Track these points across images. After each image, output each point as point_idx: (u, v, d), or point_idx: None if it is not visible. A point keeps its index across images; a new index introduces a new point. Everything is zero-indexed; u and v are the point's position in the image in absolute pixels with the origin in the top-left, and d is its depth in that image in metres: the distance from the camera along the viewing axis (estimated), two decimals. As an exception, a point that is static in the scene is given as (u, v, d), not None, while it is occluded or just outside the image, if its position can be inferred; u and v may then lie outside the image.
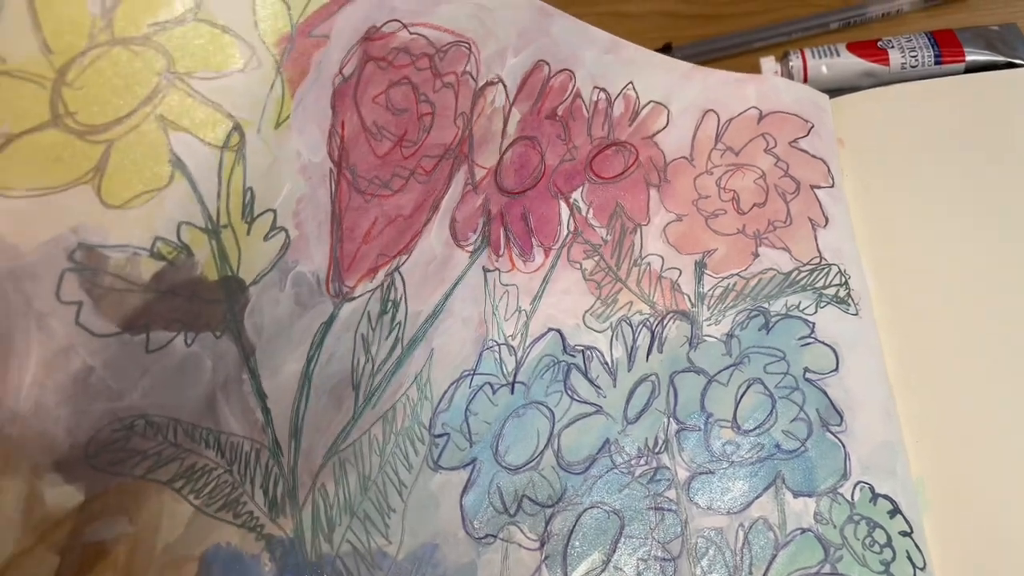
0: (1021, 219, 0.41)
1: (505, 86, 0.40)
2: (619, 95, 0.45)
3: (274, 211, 0.32)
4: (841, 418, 0.38)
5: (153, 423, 0.30)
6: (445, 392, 0.40)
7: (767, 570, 0.35)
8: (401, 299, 0.38)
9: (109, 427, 0.29)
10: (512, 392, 0.40)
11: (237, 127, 0.30)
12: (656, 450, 0.38)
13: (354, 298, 0.36)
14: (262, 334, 0.33)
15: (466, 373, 0.40)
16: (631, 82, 0.45)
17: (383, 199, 0.36)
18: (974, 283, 0.40)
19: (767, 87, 0.47)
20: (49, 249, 0.27)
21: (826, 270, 0.41)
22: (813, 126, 0.45)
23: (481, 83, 0.38)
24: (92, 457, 0.29)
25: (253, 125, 0.30)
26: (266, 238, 0.32)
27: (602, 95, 0.44)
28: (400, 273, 0.38)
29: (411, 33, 0.35)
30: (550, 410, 0.40)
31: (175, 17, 0.28)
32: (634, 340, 0.41)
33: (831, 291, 0.41)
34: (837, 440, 0.37)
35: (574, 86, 0.42)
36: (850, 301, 0.41)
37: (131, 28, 0.28)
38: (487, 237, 0.41)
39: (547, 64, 0.41)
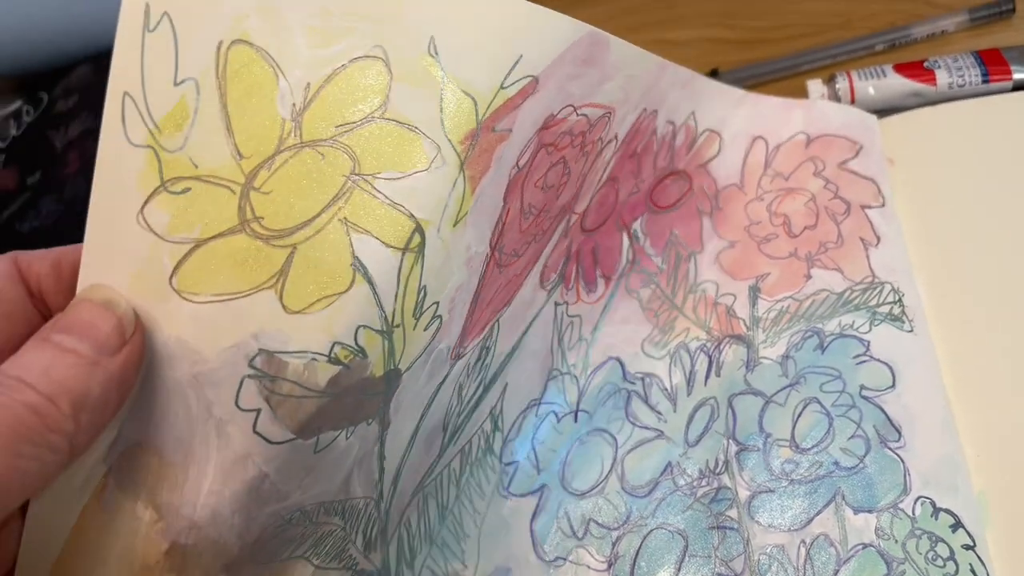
0: None
1: (617, 141, 0.39)
2: (683, 125, 0.45)
3: (438, 303, 0.30)
4: (899, 434, 0.38)
5: (306, 511, 0.30)
6: (515, 422, 0.42)
7: (830, 586, 0.36)
8: (493, 345, 0.38)
9: (273, 525, 0.29)
10: (576, 420, 0.42)
11: (419, 228, 0.27)
12: (717, 471, 0.40)
13: (464, 355, 0.35)
14: (399, 411, 0.32)
15: (533, 403, 0.43)
16: (693, 112, 0.45)
17: (509, 267, 0.35)
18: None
19: (815, 112, 0.48)
20: (231, 355, 0.26)
21: (879, 288, 0.42)
22: (862, 147, 0.46)
23: (602, 145, 0.37)
24: (255, 555, 0.29)
25: (434, 225, 0.28)
26: (426, 328, 0.30)
27: (670, 127, 0.44)
28: (498, 323, 0.37)
29: (578, 115, 0.34)
30: (613, 436, 0.41)
31: (363, 117, 0.27)
32: (692, 365, 0.43)
33: (885, 309, 0.42)
34: (896, 456, 0.38)
35: (654, 125, 0.41)
36: (904, 318, 0.41)
37: (319, 131, 0.26)
38: (563, 275, 0.42)
39: (645, 109, 0.40)
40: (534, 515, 0.40)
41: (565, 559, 0.39)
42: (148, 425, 0.27)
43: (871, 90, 0.49)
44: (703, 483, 0.40)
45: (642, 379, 0.43)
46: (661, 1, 0.60)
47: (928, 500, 0.37)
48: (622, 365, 0.43)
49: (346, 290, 0.26)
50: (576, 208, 0.38)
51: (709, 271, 0.45)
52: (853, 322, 0.42)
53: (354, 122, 0.27)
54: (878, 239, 0.44)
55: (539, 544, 0.40)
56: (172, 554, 0.27)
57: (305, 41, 0.26)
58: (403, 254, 0.27)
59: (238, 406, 0.26)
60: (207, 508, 0.27)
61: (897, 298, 0.42)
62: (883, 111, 0.48)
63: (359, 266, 0.27)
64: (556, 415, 0.43)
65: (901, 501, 0.37)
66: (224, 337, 0.26)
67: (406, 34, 0.27)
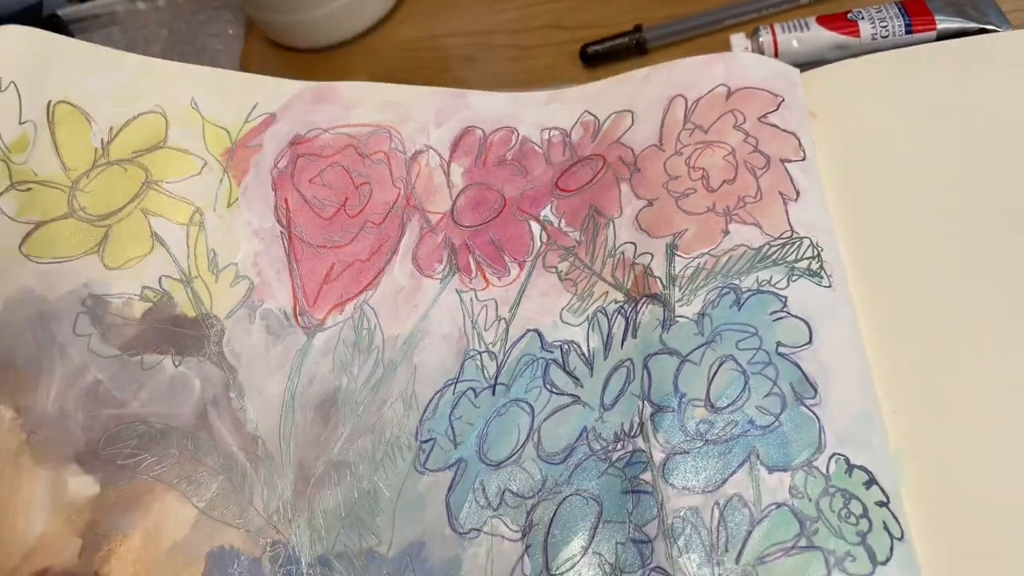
0: (996, 185, 0.40)
1: (436, 151, 0.47)
2: (575, 124, 0.48)
3: (236, 264, 0.44)
4: (815, 391, 0.37)
5: (155, 429, 0.41)
6: (430, 402, 0.42)
7: (743, 546, 0.35)
8: (376, 327, 0.44)
9: (116, 429, 0.40)
10: (493, 393, 0.41)
11: (198, 210, 0.45)
12: (632, 434, 0.39)
13: (326, 328, 0.44)
14: (241, 360, 0.43)
15: (449, 382, 0.42)
16: (585, 110, 0.48)
17: (337, 249, 0.45)
18: (952, 252, 0.39)
19: (736, 65, 0.47)
20: (68, 299, 0.42)
21: (798, 243, 0.41)
22: (783, 100, 0.45)
23: (411, 153, 0.47)
24: (104, 452, 0.40)
25: (210, 207, 0.45)
26: (232, 284, 0.44)
27: (554, 132, 0.48)
28: (369, 305, 0.44)
29: (332, 134, 0.47)
30: (530, 405, 0.41)
31: (151, 146, 0.45)
32: (609, 328, 0.42)
33: (803, 264, 0.40)
34: (812, 413, 0.37)
35: (518, 137, 0.48)
36: (823, 273, 0.40)
37: (121, 154, 0.45)
38: (455, 265, 0.45)
39: (479, 128, 0.48)
40: (450, 488, 0.40)
41: (480, 530, 0.38)
42: (10, 350, 0.40)
43: (795, 43, 0.48)
44: (618, 447, 0.39)
45: (560, 347, 0.42)
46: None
47: (842, 457, 0.36)
48: (540, 336, 0.42)
49: (148, 253, 0.44)
50: (427, 207, 0.46)
51: (627, 232, 0.44)
52: (771, 278, 0.40)
53: (145, 149, 0.45)
54: (798, 193, 0.42)
55: (454, 516, 0.39)
56: (30, 442, 0.39)
57: (107, 103, 0.45)
58: (188, 227, 0.45)
59: (75, 333, 0.41)
60: (56, 406, 0.40)
61: (816, 253, 0.41)
62: (808, 64, 0.47)
63: (157, 237, 0.44)
64: (474, 391, 0.42)
65: (815, 459, 0.36)
66: (62, 286, 0.42)
67: (175, 98, 0.47)
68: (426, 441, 0.41)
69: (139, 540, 0.39)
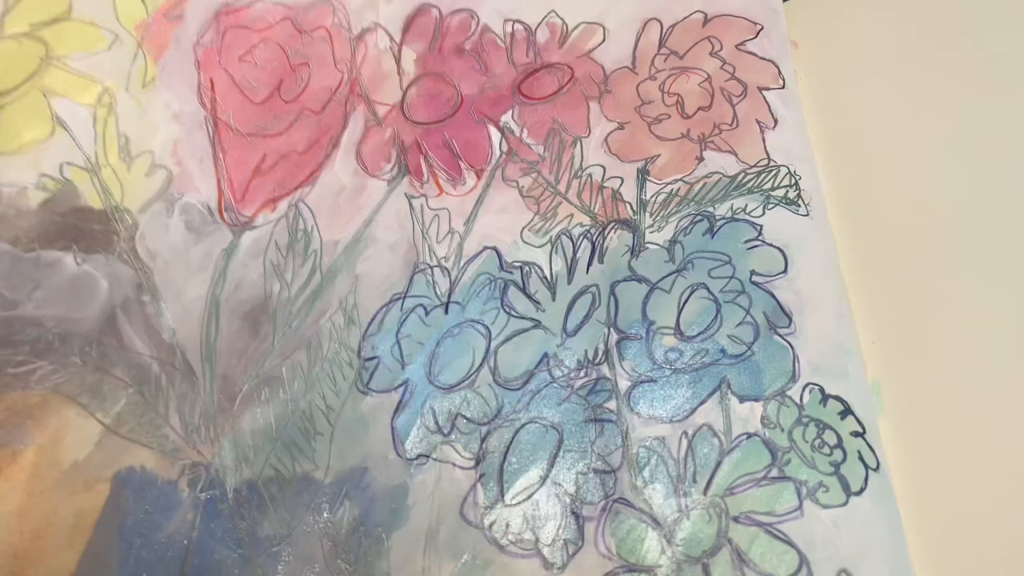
0: (980, 113, 0.39)
1: (386, 30, 0.42)
2: (540, 24, 0.44)
3: (152, 152, 0.39)
4: (790, 320, 0.36)
5: (53, 334, 0.36)
6: (374, 316, 0.38)
7: (712, 477, 0.33)
8: (312, 229, 0.39)
9: (6, 333, 0.35)
10: (446, 312, 0.38)
11: (107, 90, 0.39)
12: (596, 361, 0.36)
13: (256, 227, 0.39)
14: (156, 259, 0.38)
15: (396, 296, 0.39)
16: (553, 10, 0.44)
17: (269, 139, 0.40)
18: (934, 182, 0.38)
19: (713, -9, 0.45)
20: None
21: (775, 172, 0.39)
22: (762, 28, 0.43)
23: (357, 32, 0.42)
24: None
25: (121, 87, 0.40)
26: (147, 174, 0.39)
27: (518, 26, 0.43)
28: (306, 204, 0.40)
29: (265, 4, 0.42)
30: (486, 327, 0.38)
31: (53, 18, 0.40)
32: (574, 252, 0.39)
33: (780, 192, 0.39)
34: (785, 342, 0.35)
35: (478, 24, 0.43)
36: (801, 201, 0.38)
37: (18, 27, 0.39)
38: (404, 166, 0.41)
39: (435, 7, 0.43)
40: (396, 411, 0.36)
41: (428, 456, 0.35)
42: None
43: (774, -27, 0.46)
44: (581, 374, 0.36)
45: (520, 268, 0.39)
46: None
47: (817, 387, 0.34)
48: (499, 255, 0.39)
49: (48, 137, 0.38)
50: (374, 96, 0.41)
51: (596, 155, 0.41)
52: (746, 206, 0.39)
53: (45, 21, 0.40)
54: (775, 121, 0.41)
55: (399, 441, 0.36)
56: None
57: None
58: (95, 109, 0.39)
59: None
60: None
61: (793, 181, 0.39)
62: (787, -6, 0.45)
63: (58, 120, 0.39)
64: (424, 308, 0.38)
65: (789, 389, 0.35)
66: None
67: None
68: (369, 359, 0.37)
69: (32, 458, 0.34)
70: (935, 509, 0.32)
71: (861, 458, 0.33)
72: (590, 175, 0.41)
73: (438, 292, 0.39)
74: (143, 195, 0.39)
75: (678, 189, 0.39)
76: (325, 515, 0.35)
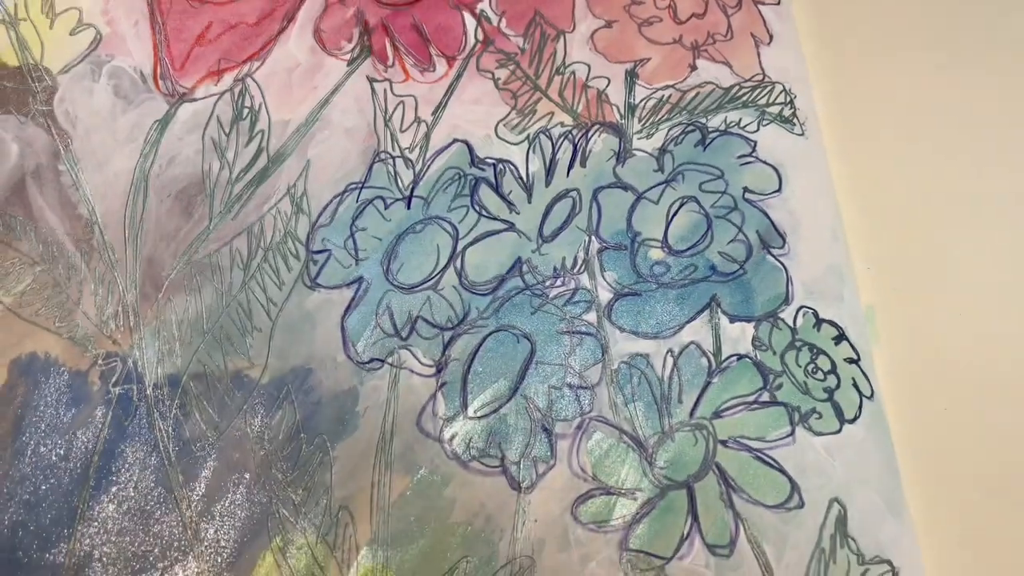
0: (980, 35, 0.37)
1: None
2: None
3: (79, 9, 0.34)
4: (784, 240, 0.33)
5: None
6: (327, 206, 0.34)
7: (699, 398, 0.31)
8: (260, 107, 0.35)
9: None
10: (408, 207, 0.34)
11: None
12: (575, 270, 0.33)
13: (195, 99, 0.35)
14: (77, 124, 0.33)
15: (353, 186, 0.34)
16: None
17: (216, 6, 0.36)
18: (931, 105, 0.37)
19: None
20: None
21: (770, 88, 0.37)
22: (759, -59, 0.40)
23: None
24: None
25: None
26: (72, 32, 0.34)
27: None
28: (254, 80, 0.35)
29: None
30: (453, 226, 0.34)
31: None
32: (554, 153, 0.35)
33: (775, 109, 0.36)
34: (779, 263, 0.33)
35: None
36: (795, 120, 0.36)
37: None
38: (368, 47, 0.36)
39: None
40: (347, 310, 0.32)
41: (382, 361, 0.31)
42: None
43: None
44: (557, 283, 0.33)
45: (493, 165, 0.35)
46: None
47: (811, 311, 0.32)
48: (470, 149, 0.35)
49: None
50: None
51: (580, 51, 0.37)
52: (740, 120, 0.36)
53: None
54: (770, 37, 0.38)
55: (350, 343, 0.31)
56: None
57: None
58: None
59: None
60: None
61: (788, 100, 0.37)
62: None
63: None
64: (384, 200, 0.34)
65: (782, 311, 0.32)
66: None
67: None
68: (319, 252, 0.33)
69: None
70: (928, 440, 0.30)
71: (855, 385, 0.31)
72: (573, 72, 0.37)
73: (400, 184, 0.34)
74: (66, 55, 0.34)
75: (669, 96, 0.36)
76: (260, 419, 0.30)
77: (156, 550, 0.28)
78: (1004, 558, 0.29)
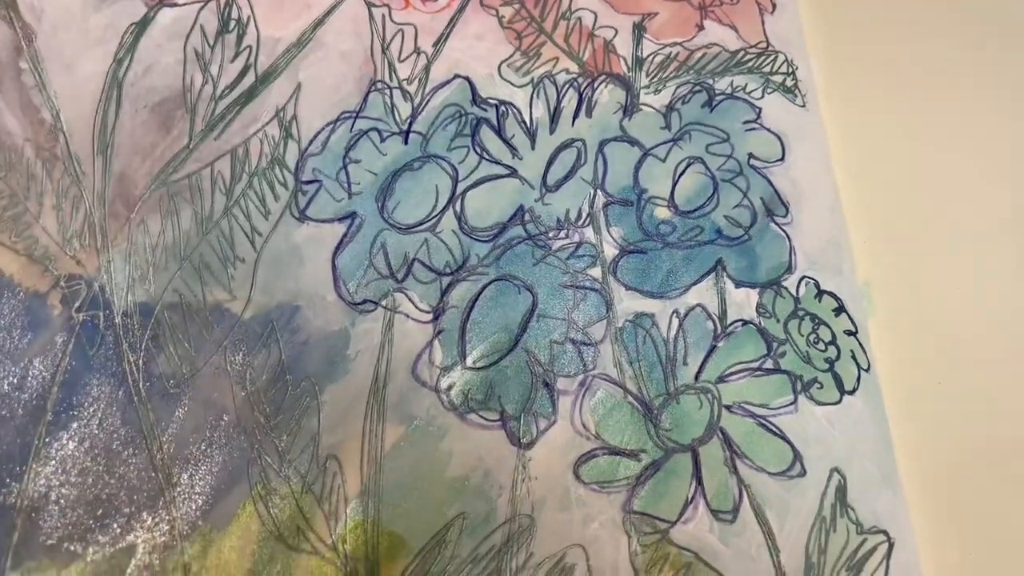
0: (979, 11, 0.38)
1: None
2: None
3: None
4: (787, 209, 0.33)
5: None
6: (318, 134, 0.31)
7: (704, 361, 0.30)
8: (249, 20, 0.32)
9: None
10: (406, 142, 0.32)
11: None
12: (579, 223, 0.32)
13: (177, 4, 0.32)
14: (43, 18, 0.30)
15: (347, 115, 0.32)
16: None
17: None
18: (931, 81, 0.37)
19: None
20: None
21: (773, 56, 0.36)
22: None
23: None
24: None
25: None
26: None
27: None
28: None
29: None
30: (453, 167, 0.32)
31: None
32: (559, 100, 0.34)
33: (778, 79, 0.36)
34: (782, 231, 0.33)
35: None
36: (797, 91, 0.36)
37: None
38: None
39: None
40: (339, 246, 0.30)
41: (376, 303, 0.29)
42: None
43: None
44: (560, 235, 0.31)
45: (496, 106, 0.33)
46: None
47: (812, 281, 0.32)
48: (472, 86, 0.33)
49: None
50: None
51: (588, -2, 0.36)
52: (746, 85, 0.35)
53: None
54: (774, 6, 0.38)
55: (341, 281, 0.29)
56: None
57: None
58: None
59: None
60: None
61: (791, 70, 0.36)
62: None
63: None
64: (379, 132, 0.32)
65: (785, 279, 0.32)
66: None
67: None
68: (309, 182, 0.30)
69: None
70: (921, 413, 0.31)
71: (854, 357, 0.31)
72: (579, 19, 0.35)
73: (397, 117, 0.32)
74: None
75: (676, 53, 0.35)
76: (241, 356, 0.28)
77: (122, 493, 0.25)
78: (994, 531, 0.29)
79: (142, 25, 0.30)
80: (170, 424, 0.26)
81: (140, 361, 0.27)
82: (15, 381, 0.25)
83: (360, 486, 0.27)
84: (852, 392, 0.30)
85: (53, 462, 0.25)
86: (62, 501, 0.25)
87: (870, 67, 0.37)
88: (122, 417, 0.26)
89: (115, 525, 0.25)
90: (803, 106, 0.36)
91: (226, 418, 0.27)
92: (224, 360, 0.27)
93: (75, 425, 0.25)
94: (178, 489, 0.26)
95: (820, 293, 0.32)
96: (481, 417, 0.28)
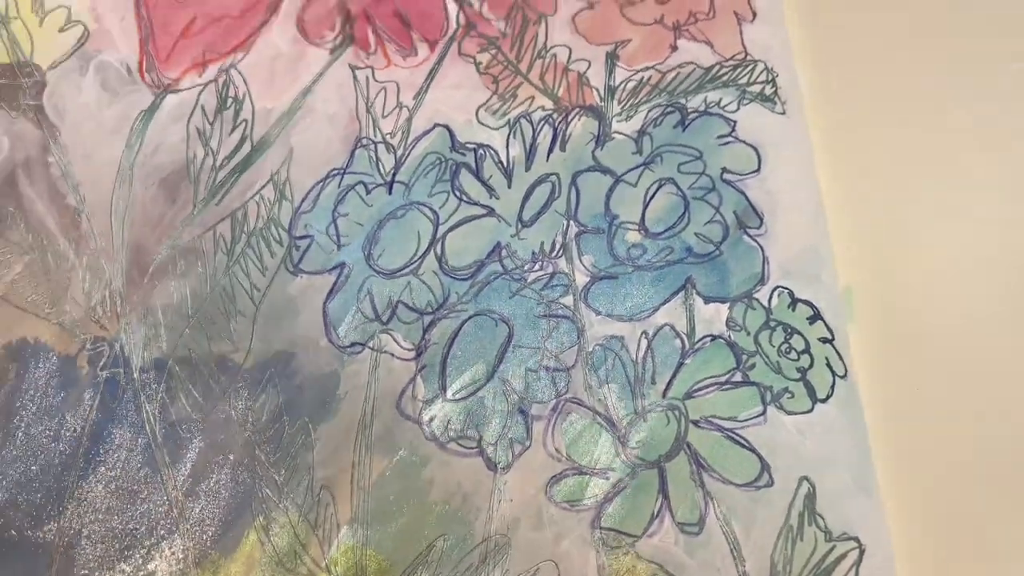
0: (967, 13, 0.37)
1: None
2: None
3: (68, 7, 0.35)
4: (761, 220, 0.34)
5: None
6: (309, 192, 0.34)
7: (672, 379, 0.31)
8: (244, 96, 0.35)
9: None
10: (390, 192, 0.34)
11: None
12: (553, 254, 0.33)
13: (180, 90, 0.35)
14: (65, 118, 0.34)
15: (335, 171, 0.35)
16: None
17: (201, 1, 0.36)
18: (916, 83, 0.36)
19: None
20: None
21: (751, 66, 0.37)
22: (744, -83, 0.40)
23: None
24: None
25: None
26: (61, 30, 0.35)
27: None
28: (238, 70, 0.36)
29: None
30: (434, 211, 0.34)
31: None
32: (534, 138, 0.36)
33: (756, 88, 0.36)
34: (755, 243, 0.33)
35: None
36: (777, 99, 0.36)
37: None
38: (350, 35, 0.37)
39: None
40: (329, 295, 0.33)
41: (363, 345, 0.32)
42: None
43: None
44: (535, 267, 0.33)
45: (474, 150, 0.35)
46: None
47: (786, 290, 0.32)
48: (451, 133, 0.36)
49: None
50: None
51: (561, 34, 0.37)
52: (720, 100, 0.36)
53: None
54: (754, 14, 0.38)
55: (332, 327, 0.32)
56: None
57: None
58: None
59: None
60: None
61: (770, 78, 0.36)
62: None
63: None
64: (365, 186, 0.35)
65: (757, 291, 0.32)
66: None
67: None
68: (301, 237, 0.34)
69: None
70: (901, 419, 0.30)
71: (829, 365, 0.31)
72: (554, 55, 0.37)
73: (381, 170, 0.35)
74: (55, 51, 0.35)
75: (649, 77, 0.36)
76: (244, 402, 0.31)
77: (143, 528, 0.29)
78: (972, 537, 0.29)
79: (150, 112, 0.34)
80: (183, 465, 0.30)
81: (156, 411, 0.31)
82: (51, 434, 0.30)
83: (350, 514, 0.30)
84: (825, 400, 0.30)
85: (84, 503, 0.29)
86: (92, 536, 0.29)
87: (858, 71, 0.37)
88: (142, 460, 0.30)
89: (137, 555, 0.29)
90: (783, 113, 0.36)
91: (231, 457, 0.30)
92: (229, 405, 0.31)
93: (102, 469, 0.30)
94: (191, 522, 0.29)
95: (794, 302, 0.32)
96: (460, 445, 0.31)
